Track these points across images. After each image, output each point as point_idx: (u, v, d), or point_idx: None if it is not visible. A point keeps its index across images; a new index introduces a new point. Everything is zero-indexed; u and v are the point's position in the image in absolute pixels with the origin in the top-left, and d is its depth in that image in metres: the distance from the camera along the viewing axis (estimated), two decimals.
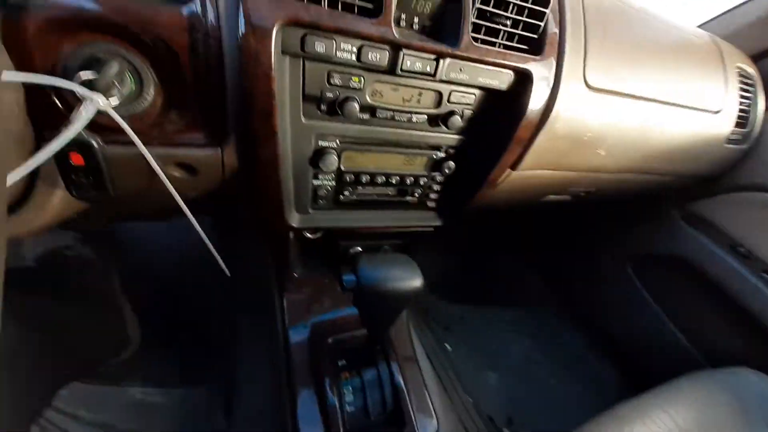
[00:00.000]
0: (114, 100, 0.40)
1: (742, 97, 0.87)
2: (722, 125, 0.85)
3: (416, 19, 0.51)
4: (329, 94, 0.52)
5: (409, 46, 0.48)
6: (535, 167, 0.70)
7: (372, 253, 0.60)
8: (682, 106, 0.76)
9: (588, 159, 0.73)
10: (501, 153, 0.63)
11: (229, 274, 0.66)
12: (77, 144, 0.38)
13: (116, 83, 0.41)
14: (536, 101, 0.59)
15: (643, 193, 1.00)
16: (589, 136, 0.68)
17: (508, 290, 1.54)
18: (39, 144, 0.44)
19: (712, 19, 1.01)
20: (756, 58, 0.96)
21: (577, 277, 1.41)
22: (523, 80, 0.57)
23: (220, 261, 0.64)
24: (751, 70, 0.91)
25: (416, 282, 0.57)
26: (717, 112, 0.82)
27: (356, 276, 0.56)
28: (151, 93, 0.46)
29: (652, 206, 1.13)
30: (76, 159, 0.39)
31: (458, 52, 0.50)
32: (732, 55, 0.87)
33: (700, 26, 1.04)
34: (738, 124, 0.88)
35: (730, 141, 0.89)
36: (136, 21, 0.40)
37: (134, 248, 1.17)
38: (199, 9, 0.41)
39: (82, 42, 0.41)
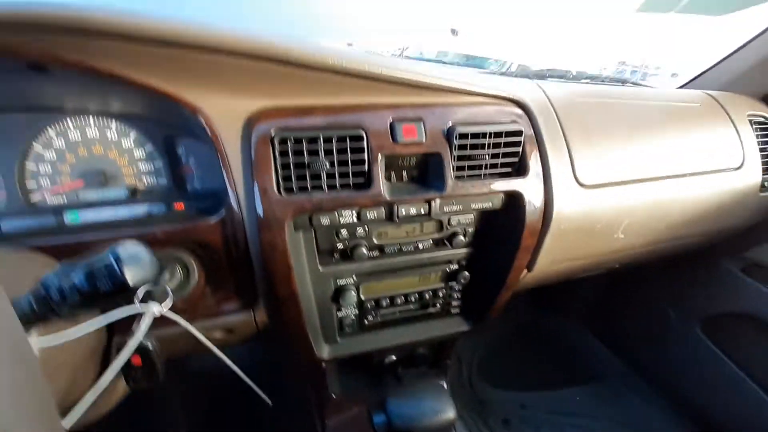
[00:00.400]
0: (168, 303, 0.49)
1: (763, 143, 0.84)
2: (750, 177, 0.81)
3: (404, 173, 0.58)
4: (340, 246, 0.59)
5: (401, 202, 0.55)
6: (552, 264, 0.70)
7: (400, 388, 0.60)
8: (697, 174, 0.74)
9: (608, 244, 0.72)
10: (512, 260, 0.65)
11: (270, 404, 0.69)
12: (138, 349, 0.46)
13: (168, 283, 0.51)
14: (532, 211, 0.61)
15: (686, 251, 0.93)
16: (600, 226, 0.68)
17: (571, 364, 1.40)
18: (111, 340, 0.54)
19: (701, 74, 1.01)
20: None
21: (644, 343, 1.26)
22: (515, 197, 0.61)
23: (260, 392, 0.68)
24: (765, 113, 0.88)
25: (449, 414, 0.56)
26: (739, 167, 0.79)
27: (386, 415, 0.56)
28: (195, 278, 0.56)
29: (707, 260, 1.04)
30: (136, 361, 0.47)
31: (446, 195, 0.56)
32: (738, 105, 0.86)
33: (689, 82, 1.04)
34: (767, 171, 0.83)
35: (765, 189, 0.83)
36: (182, 234, 0.51)
37: (187, 371, 1.25)
38: (225, 214, 0.51)
39: None
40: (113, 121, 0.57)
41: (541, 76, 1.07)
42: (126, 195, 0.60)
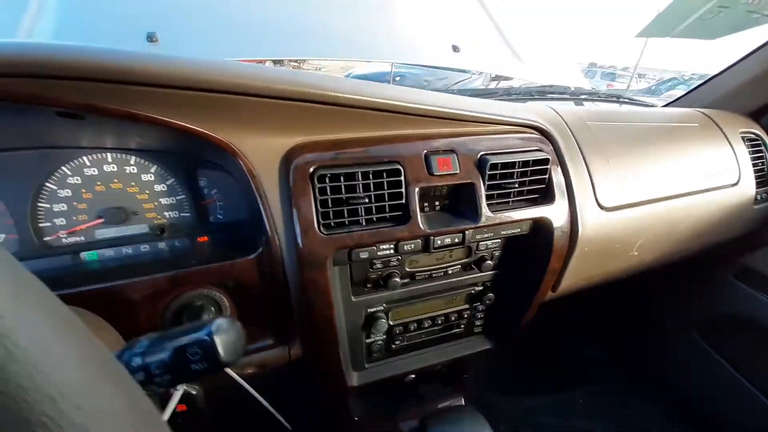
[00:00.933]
0: None
1: (755, 158, 0.89)
2: (745, 192, 0.86)
3: (436, 202, 0.58)
4: (373, 276, 0.59)
5: (437, 234, 0.55)
6: (573, 283, 0.72)
7: (437, 416, 0.61)
8: (701, 191, 0.78)
9: (624, 261, 0.75)
10: (539, 282, 0.66)
11: (291, 429, 0.67)
12: (183, 396, 0.44)
13: None
14: (560, 236, 0.63)
15: (685, 260, 0.98)
16: (618, 246, 0.70)
17: (573, 368, 1.44)
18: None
19: (690, 91, 1.07)
20: (756, 114, 0.99)
21: (644, 347, 1.31)
22: (543, 223, 0.62)
23: (282, 419, 0.66)
24: (755, 130, 0.93)
25: None
26: (736, 183, 0.84)
27: None
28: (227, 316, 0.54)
29: (701, 267, 1.09)
30: (180, 406, 0.45)
31: (480, 225, 0.56)
32: (731, 124, 0.91)
33: (679, 99, 1.10)
34: (759, 184, 0.88)
35: (757, 202, 0.88)
36: (217, 273, 0.49)
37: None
38: (263, 251, 0.50)
39: (175, 296, 0.50)
40: (132, 156, 0.54)
41: (543, 92, 1.10)
42: (147, 231, 0.57)
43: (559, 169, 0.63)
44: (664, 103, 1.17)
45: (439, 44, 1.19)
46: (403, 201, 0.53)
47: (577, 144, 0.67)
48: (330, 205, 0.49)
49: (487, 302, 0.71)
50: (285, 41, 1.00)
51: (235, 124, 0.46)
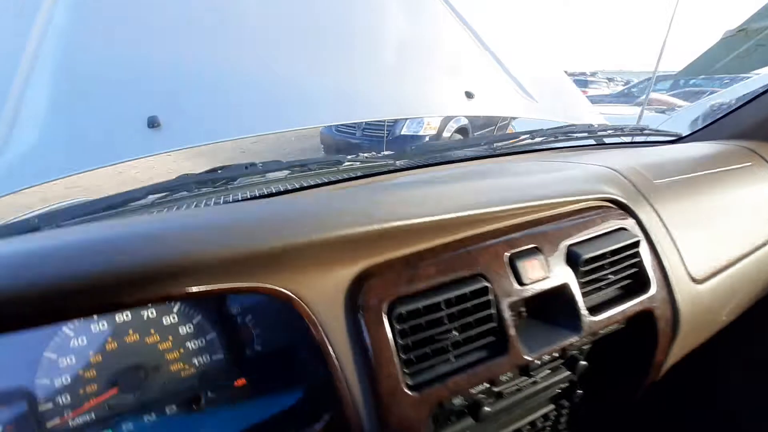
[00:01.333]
0: None
1: None
2: None
3: (522, 307, 0.49)
4: (458, 408, 0.48)
5: (537, 359, 0.45)
6: (669, 366, 0.62)
7: None
8: None
9: (712, 329, 0.66)
10: (643, 378, 0.57)
11: None
12: None
13: None
14: (663, 326, 0.54)
15: None
16: (710, 317, 0.62)
17: None
18: None
19: (719, 119, 1.04)
20: None
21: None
22: (642, 313, 0.53)
23: None
24: None
25: None
26: None
27: None
28: None
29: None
30: None
31: (583, 336, 0.47)
32: None
33: (707, 126, 1.06)
34: None
35: None
36: None
37: None
38: (333, 419, 0.39)
39: None
40: None
41: (567, 133, 1.05)
42: (174, 388, 0.45)
43: (647, 248, 0.55)
44: (687, 132, 1.13)
45: (451, 93, 1.14)
46: (495, 323, 0.43)
47: (656, 212, 0.59)
48: (412, 347, 0.39)
49: (575, 400, 0.60)
50: (293, 111, 0.92)
51: (290, 270, 0.36)
